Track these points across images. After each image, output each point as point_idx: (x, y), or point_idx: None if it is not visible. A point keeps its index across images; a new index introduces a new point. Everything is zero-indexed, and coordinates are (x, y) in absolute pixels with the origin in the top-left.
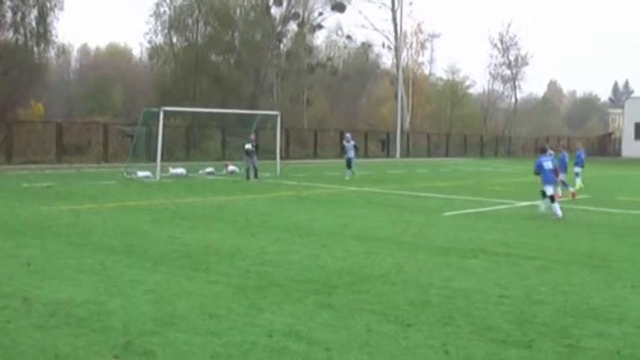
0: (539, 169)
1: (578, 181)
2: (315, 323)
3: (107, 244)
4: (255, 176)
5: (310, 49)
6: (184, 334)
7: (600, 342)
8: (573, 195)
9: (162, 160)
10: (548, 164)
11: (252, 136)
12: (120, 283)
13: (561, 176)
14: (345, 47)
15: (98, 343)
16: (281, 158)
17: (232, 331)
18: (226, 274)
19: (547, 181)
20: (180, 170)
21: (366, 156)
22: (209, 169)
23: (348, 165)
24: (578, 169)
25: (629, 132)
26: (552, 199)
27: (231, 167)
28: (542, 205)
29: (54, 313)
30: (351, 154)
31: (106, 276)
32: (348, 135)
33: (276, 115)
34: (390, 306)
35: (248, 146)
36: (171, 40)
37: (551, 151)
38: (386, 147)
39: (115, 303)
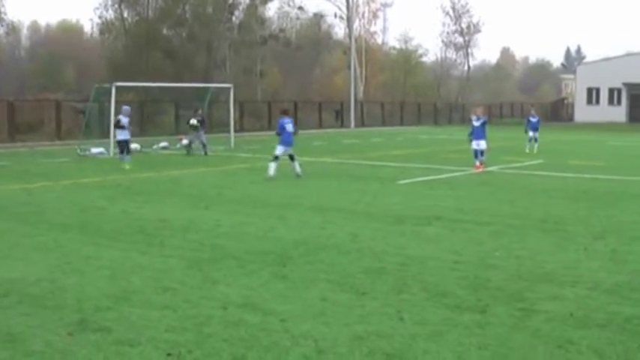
0: None
1: (533, 145)
2: (270, 294)
3: (61, 222)
4: (205, 152)
5: (262, 21)
6: (139, 309)
7: (554, 305)
8: (478, 167)
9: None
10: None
11: (199, 111)
12: (74, 260)
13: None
14: (298, 18)
15: (52, 320)
16: (235, 131)
17: (187, 305)
18: (180, 248)
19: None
20: (134, 145)
21: (320, 126)
22: (163, 144)
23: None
24: (534, 134)
25: (581, 97)
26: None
27: (185, 141)
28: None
29: (7, 292)
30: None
31: (60, 253)
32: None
33: (229, 88)
34: (345, 275)
35: (193, 121)
36: (122, 15)
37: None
38: (340, 117)
39: (69, 280)
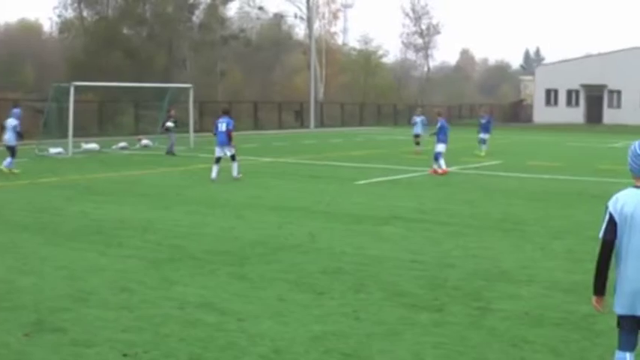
0: None
1: (484, 147)
2: (227, 294)
3: (19, 222)
4: (170, 149)
5: (223, 21)
6: (96, 310)
7: (510, 304)
8: (435, 172)
9: (75, 135)
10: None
11: (172, 112)
12: (31, 261)
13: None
14: (258, 18)
15: (8, 321)
16: (195, 131)
17: (144, 305)
18: (139, 248)
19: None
20: (93, 145)
21: (280, 127)
22: (122, 144)
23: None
24: (484, 136)
25: (540, 98)
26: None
27: (144, 141)
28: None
29: None
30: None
31: (18, 254)
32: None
33: (189, 88)
34: (303, 275)
35: (169, 124)
36: (81, 14)
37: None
38: (300, 117)
39: (27, 281)
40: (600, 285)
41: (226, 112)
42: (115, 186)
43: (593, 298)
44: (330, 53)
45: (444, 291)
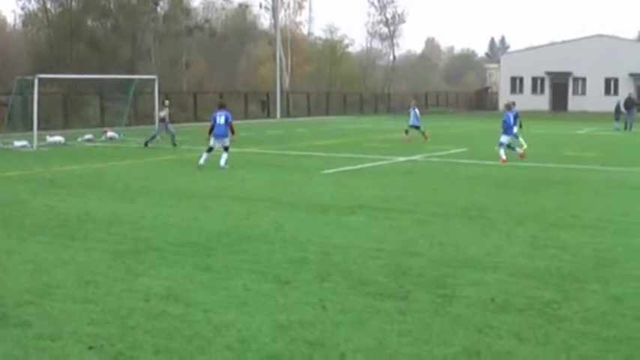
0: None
1: (407, 136)
2: (193, 285)
3: None
4: (150, 141)
5: (187, 12)
6: (61, 303)
7: (475, 290)
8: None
9: (40, 128)
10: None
11: (167, 102)
12: None
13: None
14: (223, 8)
15: None
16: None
17: (109, 298)
18: (103, 241)
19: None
20: (58, 138)
21: (246, 117)
22: (88, 136)
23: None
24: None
25: (505, 86)
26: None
27: (110, 133)
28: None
29: None
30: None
31: None
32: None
33: (154, 79)
34: (268, 265)
35: (163, 113)
36: (45, 6)
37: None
38: (266, 107)
39: None
40: None
41: (223, 106)
42: (81, 179)
43: None
44: (296, 43)
45: (408, 279)
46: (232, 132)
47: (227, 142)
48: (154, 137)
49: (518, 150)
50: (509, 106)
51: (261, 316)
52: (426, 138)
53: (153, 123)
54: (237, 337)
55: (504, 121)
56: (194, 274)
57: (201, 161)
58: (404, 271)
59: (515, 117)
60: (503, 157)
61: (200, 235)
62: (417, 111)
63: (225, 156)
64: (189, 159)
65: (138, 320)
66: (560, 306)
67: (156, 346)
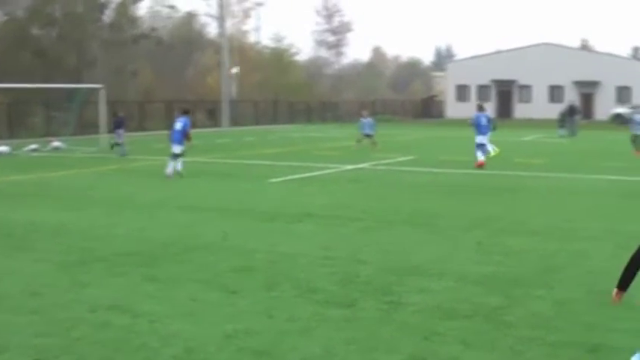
0: None
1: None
2: (139, 296)
3: None
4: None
5: (134, 20)
6: (7, 315)
7: (421, 297)
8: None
9: None
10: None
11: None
12: None
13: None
14: (169, 17)
15: None
16: (107, 132)
17: (55, 309)
18: (50, 251)
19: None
20: (4, 148)
21: (193, 126)
22: (33, 146)
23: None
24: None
25: (451, 94)
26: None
27: (55, 143)
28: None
29: None
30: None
31: None
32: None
33: (99, 89)
34: (215, 274)
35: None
36: None
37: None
38: (213, 116)
39: None
40: (626, 281)
41: (185, 112)
42: (27, 189)
43: (615, 291)
44: (243, 52)
45: (355, 286)
46: (188, 139)
47: (177, 149)
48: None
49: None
50: (481, 107)
51: (208, 326)
52: (375, 146)
53: (98, 132)
54: (183, 347)
55: (477, 123)
56: (140, 285)
57: (177, 167)
58: (351, 279)
59: (489, 119)
60: (481, 158)
61: (146, 245)
62: (370, 120)
63: (171, 164)
64: (135, 168)
65: (84, 331)
66: (507, 312)
67: (102, 358)
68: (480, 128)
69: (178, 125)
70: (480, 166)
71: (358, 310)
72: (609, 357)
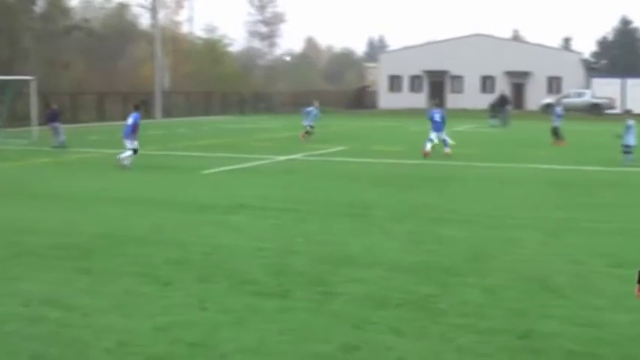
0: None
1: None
2: (72, 289)
3: None
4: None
5: (66, 11)
6: None
7: (355, 287)
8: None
9: None
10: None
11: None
12: None
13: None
14: (102, 8)
15: None
16: (39, 124)
17: None
18: None
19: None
20: None
21: (126, 118)
22: None
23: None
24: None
25: (384, 84)
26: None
27: None
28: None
29: None
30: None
31: None
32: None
33: (31, 80)
34: (149, 267)
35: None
36: None
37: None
38: (146, 108)
39: None
40: None
41: (136, 107)
42: None
43: (637, 287)
44: (176, 42)
45: (289, 277)
46: (134, 133)
47: (129, 144)
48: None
49: (428, 146)
50: (437, 104)
51: (141, 319)
52: (311, 137)
53: (30, 125)
54: (116, 340)
55: (431, 119)
56: (74, 278)
57: (125, 161)
58: (284, 270)
59: (442, 116)
60: (427, 149)
61: (80, 238)
62: (317, 111)
63: (126, 153)
64: (67, 161)
65: (16, 326)
66: (438, 300)
67: (34, 352)
68: (433, 124)
69: (130, 120)
70: (426, 155)
71: (292, 300)
72: (539, 343)
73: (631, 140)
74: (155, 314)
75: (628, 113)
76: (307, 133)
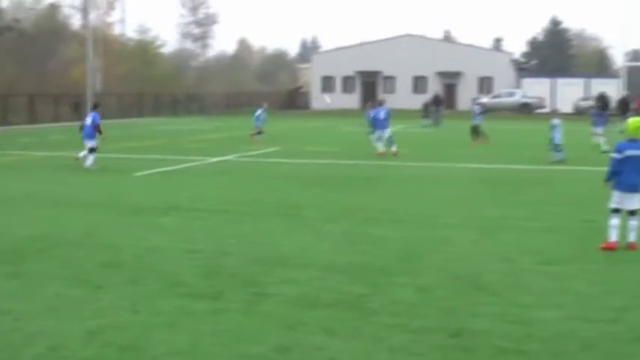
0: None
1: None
2: (3, 293)
3: None
4: None
5: None
6: None
7: (287, 287)
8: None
9: None
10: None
11: None
12: None
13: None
14: (32, 9)
15: None
16: None
17: None
18: None
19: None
20: None
21: (57, 120)
22: None
23: None
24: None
25: (316, 85)
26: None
27: None
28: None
29: None
30: None
31: None
32: None
33: None
34: (81, 270)
35: None
36: None
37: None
38: (78, 110)
39: None
40: None
41: (95, 106)
42: None
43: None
44: (108, 44)
45: (221, 279)
46: (99, 132)
47: (90, 143)
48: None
49: (379, 148)
50: (380, 103)
51: (73, 322)
52: (260, 138)
53: None
54: (47, 344)
55: (374, 117)
56: (4, 282)
57: (88, 162)
58: (216, 271)
59: (388, 112)
60: (380, 149)
61: (10, 241)
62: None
63: (90, 157)
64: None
65: None
66: (370, 299)
67: None
68: (376, 123)
69: (88, 120)
70: (381, 154)
71: (224, 302)
72: (470, 341)
73: (557, 139)
74: (86, 318)
75: (554, 113)
76: (258, 133)
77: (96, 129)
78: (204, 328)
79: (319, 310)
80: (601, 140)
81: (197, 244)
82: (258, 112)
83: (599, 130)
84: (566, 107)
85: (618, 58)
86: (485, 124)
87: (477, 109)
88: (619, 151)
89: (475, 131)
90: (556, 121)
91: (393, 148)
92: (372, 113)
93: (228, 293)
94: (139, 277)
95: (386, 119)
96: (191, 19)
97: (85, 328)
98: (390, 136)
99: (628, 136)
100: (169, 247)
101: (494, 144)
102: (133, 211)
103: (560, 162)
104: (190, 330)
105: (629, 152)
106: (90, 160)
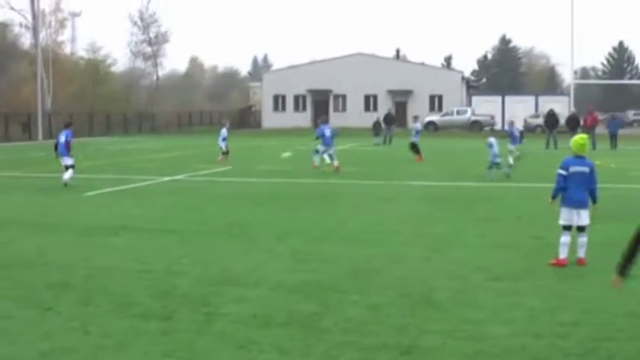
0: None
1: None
2: None
3: None
4: None
5: None
6: None
7: (238, 307)
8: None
9: None
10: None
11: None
12: None
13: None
14: None
15: None
16: None
17: None
18: None
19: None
20: None
21: (6, 139)
22: None
23: None
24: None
25: (268, 104)
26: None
27: None
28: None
29: None
30: None
31: None
32: None
33: None
34: (31, 291)
35: None
36: None
37: None
38: (28, 129)
39: None
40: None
41: (67, 125)
42: None
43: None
44: (58, 62)
45: (172, 299)
46: (68, 151)
47: (67, 161)
48: None
49: (334, 163)
50: (325, 120)
51: (23, 345)
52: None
53: None
54: None
55: (321, 135)
56: None
57: (66, 177)
58: (168, 291)
59: (332, 131)
60: (316, 163)
61: None
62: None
63: (68, 173)
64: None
65: None
66: (321, 318)
67: None
68: (324, 139)
69: (62, 138)
70: (337, 168)
71: (175, 322)
72: (422, 358)
73: (494, 157)
74: (37, 340)
75: (491, 132)
76: (224, 154)
77: (68, 147)
78: (155, 348)
79: (271, 329)
80: (510, 158)
81: (148, 264)
82: (223, 130)
83: (513, 147)
84: (516, 124)
85: (567, 76)
86: (432, 142)
87: (417, 126)
88: (564, 167)
89: (415, 148)
90: (492, 139)
91: (335, 163)
92: (322, 129)
93: (179, 313)
94: (89, 298)
95: (331, 137)
96: (142, 37)
97: (36, 350)
98: (332, 154)
99: (572, 153)
100: (120, 267)
101: (444, 161)
102: (83, 232)
103: (507, 178)
104: (141, 351)
105: (574, 169)
106: (68, 174)
